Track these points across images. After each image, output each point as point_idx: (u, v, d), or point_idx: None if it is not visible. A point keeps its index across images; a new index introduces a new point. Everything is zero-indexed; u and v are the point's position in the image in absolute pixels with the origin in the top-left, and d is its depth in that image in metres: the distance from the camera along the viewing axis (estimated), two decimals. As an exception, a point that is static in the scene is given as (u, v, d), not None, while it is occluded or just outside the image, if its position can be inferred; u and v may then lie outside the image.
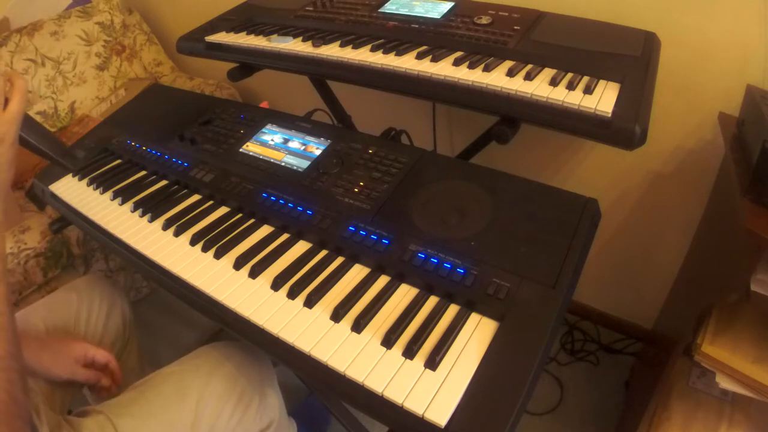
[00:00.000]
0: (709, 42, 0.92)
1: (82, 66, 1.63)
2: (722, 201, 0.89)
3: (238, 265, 0.69)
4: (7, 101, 0.53)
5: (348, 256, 0.69)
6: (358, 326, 0.59)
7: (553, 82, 0.74)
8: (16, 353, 0.50)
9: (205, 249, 0.72)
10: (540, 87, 0.74)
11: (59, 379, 0.76)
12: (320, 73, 0.98)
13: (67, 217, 0.91)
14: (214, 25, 1.10)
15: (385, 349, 0.56)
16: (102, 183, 0.90)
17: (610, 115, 0.68)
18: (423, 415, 0.49)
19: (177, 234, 0.76)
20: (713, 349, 0.73)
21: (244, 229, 0.76)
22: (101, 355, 0.82)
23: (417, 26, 0.95)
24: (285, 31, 1.00)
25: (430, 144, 1.32)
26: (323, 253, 0.70)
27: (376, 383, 0.53)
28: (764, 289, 0.65)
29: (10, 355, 0.49)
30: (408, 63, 0.82)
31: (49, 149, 0.62)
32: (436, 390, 0.51)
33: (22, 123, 0.55)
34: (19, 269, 1.22)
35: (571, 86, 0.73)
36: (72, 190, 0.92)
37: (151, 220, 0.80)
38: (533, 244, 0.64)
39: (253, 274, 0.67)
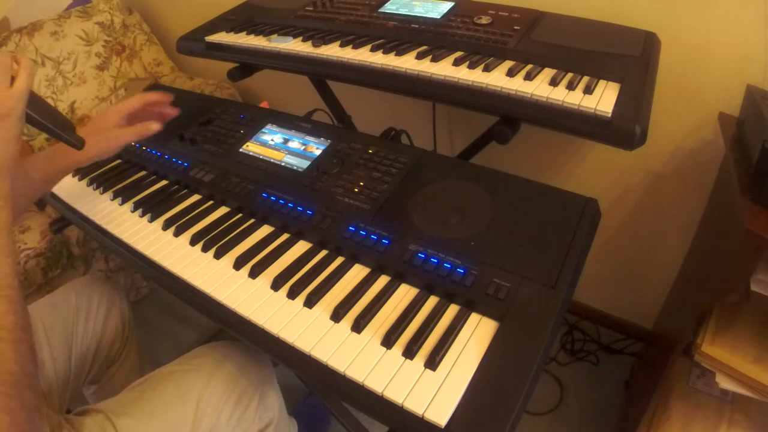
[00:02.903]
0: (709, 42, 0.92)
1: (82, 66, 1.63)
2: (722, 201, 0.89)
3: (238, 265, 0.69)
4: (13, 80, 0.54)
5: (348, 256, 0.69)
6: (358, 326, 0.59)
7: (553, 82, 0.74)
8: (25, 325, 0.51)
9: (205, 249, 0.72)
10: (540, 87, 0.74)
11: (113, 153, 0.78)
12: (320, 73, 0.98)
13: (67, 217, 0.91)
14: (214, 25, 1.10)
15: (385, 349, 0.56)
16: (102, 183, 0.90)
17: (610, 115, 0.68)
18: (423, 415, 0.49)
19: (177, 234, 0.76)
20: (713, 349, 0.73)
21: (244, 229, 0.76)
22: (135, 103, 0.82)
23: (417, 26, 0.95)
24: (285, 31, 1.00)
25: (430, 144, 1.32)
26: (323, 253, 0.70)
27: (376, 383, 0.52)
28: (764, 289, 0.65)
29: (20, 327, 0.50)
30: (408, 63, 0.82)
31: (55, 126, 0.63)
32: (436, 390, 0.51)
33: (28, 101, 0.56)
34: (19, 269, 1.22)
35: (571, 86, 0.73)
36: (72, 190, 0.92)
37: (151, 220, 0.80)
38: (533, 244, 0.64)
39: (253, 274, 0.67)
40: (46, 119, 0.61)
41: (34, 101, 0.58)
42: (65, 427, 0.67)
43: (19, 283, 0.52)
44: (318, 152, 0.85)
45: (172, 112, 0.87)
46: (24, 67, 0.55)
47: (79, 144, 0.65)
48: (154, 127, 0.81)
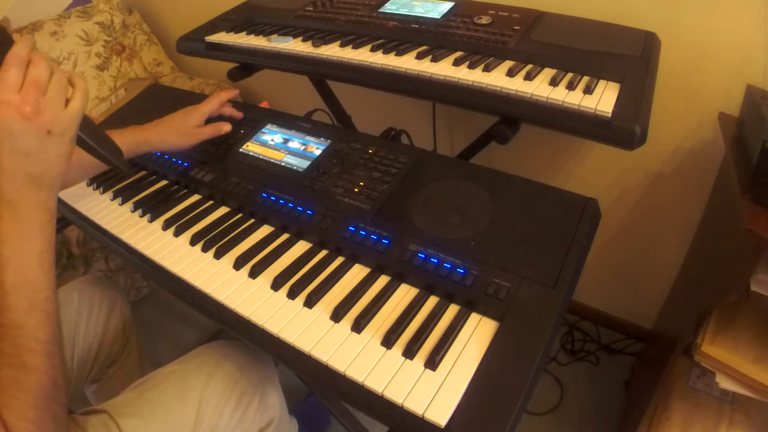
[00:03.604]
0: (709, 42, 0.92)
1: (82, 66, 1.63)
2: (722, 201, 0.89)
3: (238, 265, 0.69)
4: (67, 101, 0.55)
5: (348, 256, 0.69)
6: (358, 326, 0.59)
7: (553, 82, 0.74)
8: (59, 338, 0.52)
9: (205, 249, 0.72)
10: (540, 87, 0.74)
11: (191, 146, 0.88)
12: (320, 73, 0.98)
13: (67, 217, 0.91)
14: (214, 25, 1.10)
15: (385, 349, 0.56)
16: (102, 183, 0.90)
17: (610, 115, 0.68)
18: (423, 415, 0.49)
19: (177, 234, 0.76)
20: (713, 349, 0.73)
21: (244, 229, 0.76)
22: (214, 105, 0.90)
23: (417, 26, 0.95)
24: (285, 31, 1.00)
25: (430, 144, 1.32)
26: (323, 253, 0.70)
27: (376, 383, 0.53)
28: (764, 289, 0.65)
29: (54, 340, 0.51)
30: (408, 63, 0.82)
31: (105, 150, 0.63)
32: (436, 390, 0.51)
33: (81, 123, 0.56)
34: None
35: (571, 86, 0.73)
36: (72, 190, 0.92)
37: (151, 220, 0.80)
38: (533, 244, 0.64)
39: (253, 274, 0.67)
40: (96, 143, 0.61)
41: (86, 124, 0.58)
42: (72, 427, 0.67)
43: (56, 297, 0.53)
44: (318, 152, 0.85)
45: (237, 114, 0.96)
46: (79, 88, 0.56)
47: (126, 169, 0.66)
48: (226, 128, 0.90)
